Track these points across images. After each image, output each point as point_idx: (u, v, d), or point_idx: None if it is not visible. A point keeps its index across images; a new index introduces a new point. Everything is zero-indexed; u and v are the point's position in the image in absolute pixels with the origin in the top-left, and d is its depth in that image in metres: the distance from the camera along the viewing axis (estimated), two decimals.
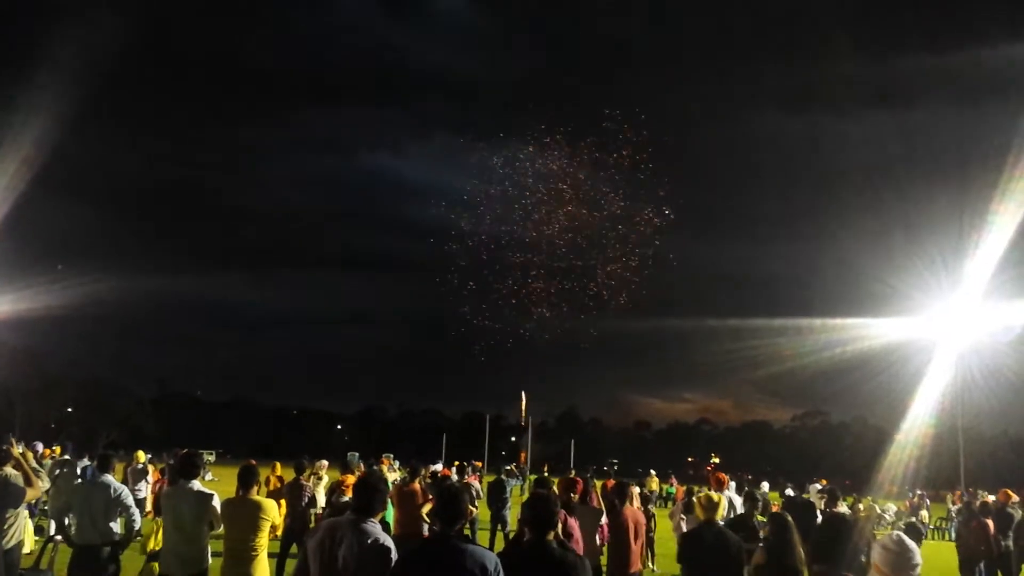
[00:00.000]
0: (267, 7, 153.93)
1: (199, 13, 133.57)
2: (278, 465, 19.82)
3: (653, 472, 37.04)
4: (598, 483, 24.20)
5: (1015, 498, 17.43)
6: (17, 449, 9.26)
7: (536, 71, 75.18)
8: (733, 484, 15.77)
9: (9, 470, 8.76)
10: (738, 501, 13.68)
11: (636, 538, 9.51)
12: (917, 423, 48.25)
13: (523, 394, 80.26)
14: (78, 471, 17.19)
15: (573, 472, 26.82)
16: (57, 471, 16.62)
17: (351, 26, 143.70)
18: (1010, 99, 65.45)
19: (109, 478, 8.95)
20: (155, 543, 11.30)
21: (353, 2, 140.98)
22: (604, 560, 9.92)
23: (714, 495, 8.06)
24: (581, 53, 74.51)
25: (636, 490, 18.23)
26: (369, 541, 5.19)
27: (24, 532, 9.31)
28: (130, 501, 9.02)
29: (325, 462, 20.73)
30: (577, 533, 8.64)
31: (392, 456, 38.46)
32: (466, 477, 21.85)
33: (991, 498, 20.18)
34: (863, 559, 8.01)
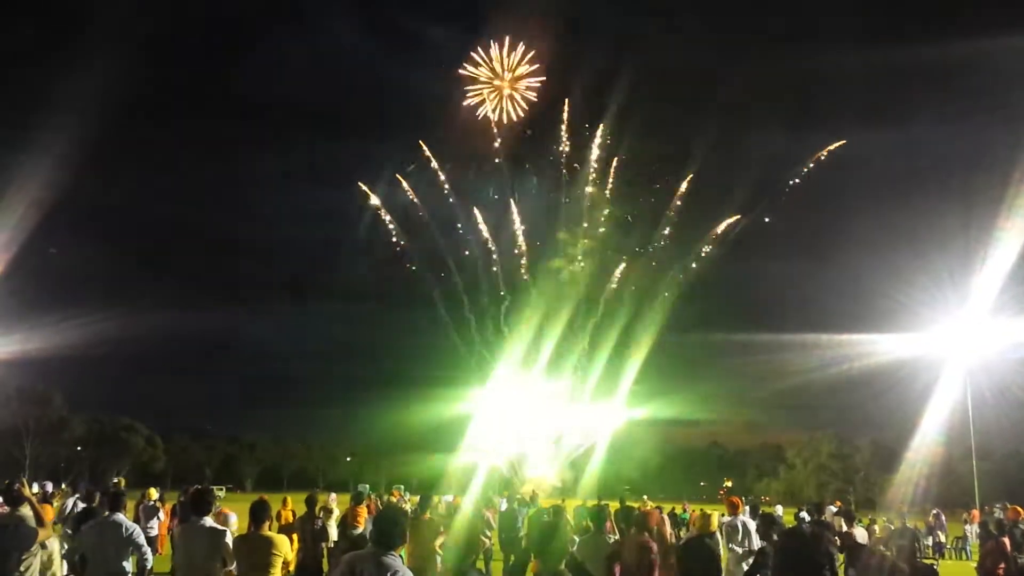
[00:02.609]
0: (265, 42, 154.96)
1: (199, 52, 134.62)
2: (289, 499, 19.72)
3: (646, 497, 36.61)
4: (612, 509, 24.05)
5: None
6: (28, 489, 9.22)
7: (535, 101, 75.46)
8: (748, 508, 15.64)
9: (25, 511, 8.74)
10: (752, 525, 13.58)
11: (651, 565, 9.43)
12: (927, 441, 47.97)
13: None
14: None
15: (585, 500, 26.52)
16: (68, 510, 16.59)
17: (349, 60, 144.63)
18: (1015, 115, 65.65)
19: (120, 516, 8.89)
20: None
21: (351, 36, 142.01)
22: None
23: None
24: (580, 83, 74.77)
25: (662, 515, 18.11)
26: (389, 575, 5.19)
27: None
28: (142, 540, 8.96)
29: (334, 495, 20.62)
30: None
31: (403, 487, 38.24)
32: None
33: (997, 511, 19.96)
34: None
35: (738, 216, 73.65)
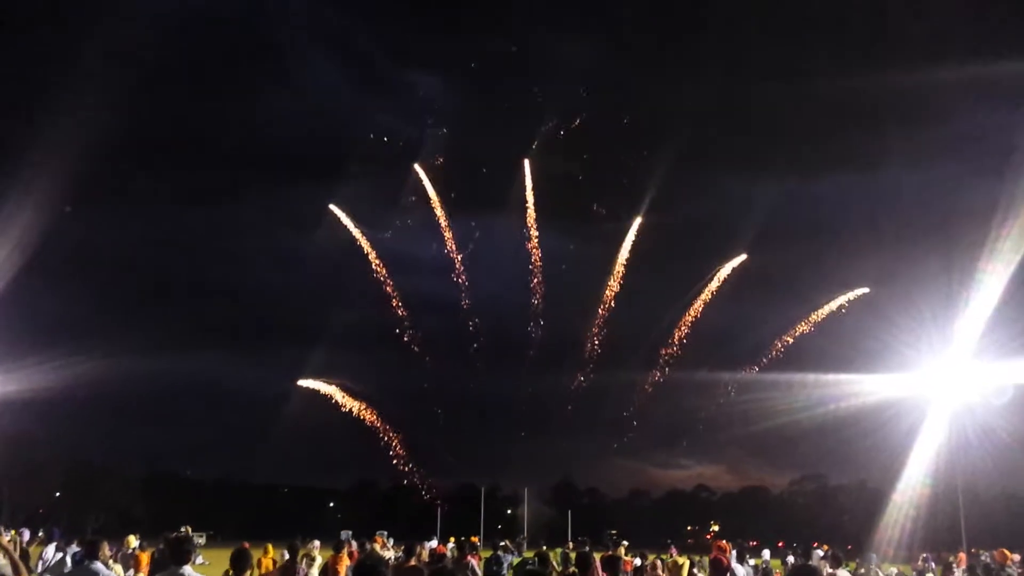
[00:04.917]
0: (245, 91, 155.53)
1: (181, 97, 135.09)
2: (270, 547, 19.45)
3: (625, 543, 36.18)
4: (597, 555, 23.80)
5: (1013, 558, 17.17)
6: (5, 537, 9.06)
7: (516, 147, 76.40)
8: (735, 552, 15.54)
9: None
10: (741, 571, 13.49)
11: None
12: (913, 483, 47.88)
13: None
14: (67, 559, 16.86)
15: (571, 544, 26.42)
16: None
17: (329, 105, 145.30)
18: (994, 158, 66.68)
19: (98, 565, 8.75)
20: None
21: (329, 83, 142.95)
22: None
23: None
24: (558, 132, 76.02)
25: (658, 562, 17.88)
26: None
27: None
28: None
29: (317, 542, 20.35)
30: None
31: (386, 534, 37.62)
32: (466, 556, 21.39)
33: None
34: None
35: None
